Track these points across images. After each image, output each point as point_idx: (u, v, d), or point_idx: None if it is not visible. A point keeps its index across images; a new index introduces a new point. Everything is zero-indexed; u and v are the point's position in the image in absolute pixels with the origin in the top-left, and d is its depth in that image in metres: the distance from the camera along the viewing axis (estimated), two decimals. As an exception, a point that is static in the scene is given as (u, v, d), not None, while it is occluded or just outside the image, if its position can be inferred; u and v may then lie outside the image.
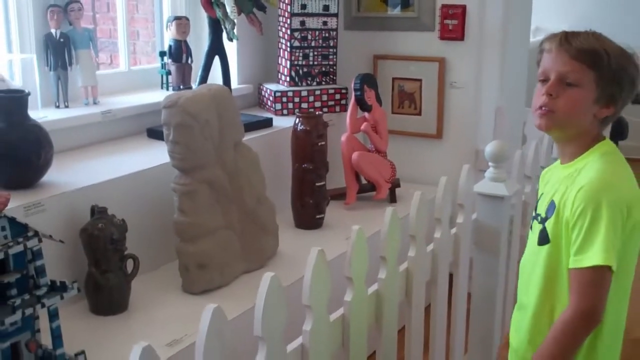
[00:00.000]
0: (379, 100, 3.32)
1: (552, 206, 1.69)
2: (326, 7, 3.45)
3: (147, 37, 3.69)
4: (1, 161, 2.18)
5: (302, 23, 3.41)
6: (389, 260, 1.88)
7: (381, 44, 3.62)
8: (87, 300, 2.26)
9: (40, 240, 1.83)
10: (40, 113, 2.62)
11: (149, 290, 2.39)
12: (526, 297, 1.79)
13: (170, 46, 3.18)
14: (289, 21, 3.39)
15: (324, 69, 3.51)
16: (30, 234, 1.81)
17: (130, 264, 2.28)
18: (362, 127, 3.25)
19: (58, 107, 2.78)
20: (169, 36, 3.22)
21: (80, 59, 2.84)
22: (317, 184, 2.94)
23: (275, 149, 3.10)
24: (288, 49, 3.42)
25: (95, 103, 2.89)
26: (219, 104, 2.41)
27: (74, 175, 2.41)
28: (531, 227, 1.81)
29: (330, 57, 3.51)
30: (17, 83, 2.67)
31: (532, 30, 6.80)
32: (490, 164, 2.42)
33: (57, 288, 1.87)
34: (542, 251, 1.71)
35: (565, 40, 1.65)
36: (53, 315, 1.85)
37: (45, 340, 1.90)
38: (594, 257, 1.56)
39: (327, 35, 3.48)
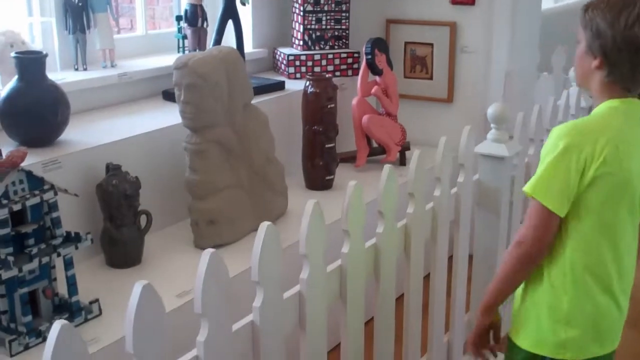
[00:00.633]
0: (389, 64, 3.37)
1: None
2: (339, -28, 3.51)
3: (166, 2, 3.76)
4: (19, 119, 2.28)
5: (315, -12, 3.48)
6: (386, 215, 1.96)
7: (393, 8, 3.66)
8: (103, 254, 2.37)
9: (55, 193, 1.94)
10: (59, 75, 2.72)
11: (161, 245, 2.50)
12: None
13: (186, 10, 3.24)
14: (302, -14, 3.45)
15: (336, 33, 3.57)
16: (46, 187, 1.92)
17: (143, 220, 2.39)
18: (373, 90, 3.31)
19: (77, 69, 2.87)
20: (185, 0, 3.29)
21: (98, 22, 2.92)
22: (326, 146, 3.02)
23: (288, 111, 3.18)
24: (301, 14, 3.48)
25: (112, 66, 2.98)
26: (228, 66, 2.48)
27: (91, 134, 2.51)
28: None
29: (343, 21, 3.57)
30: (37, 46, 2.76)
31: (554, -4, 6.78)
32: (492, 125, 2.48)
33: (72, 239, 1.98)
34: None
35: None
36: (68, 264, 1.97)
37: (62, 289, 2.02)
38: (528, 185, 1.65)
39: (339, -1, 3.54)
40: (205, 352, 1.45)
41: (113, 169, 2.32)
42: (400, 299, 2.22)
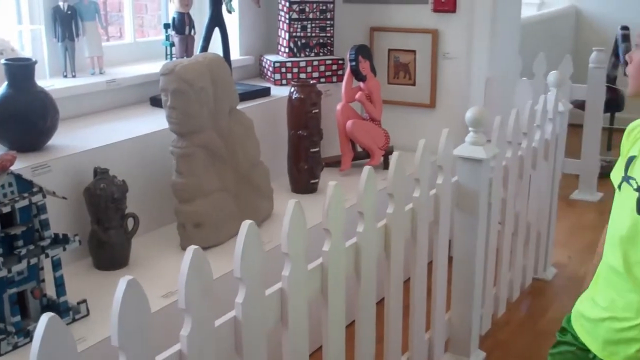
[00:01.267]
0: (373, 70, 3.44)
1: None
2: (324, -19, 3.58)
3: (154, 10, 3.82)
4: (9, 124, 2.34)
5: (301, -4, 3.55)
6: (366, 215, 2.03)
7: (377, 16, 3.73)
8: (91, 257, 2.42)
9: (44, 196, 1.99)
10: (48, 82, 2.77)
11: (148, 248, 2.55)
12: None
13: (173, 18, 3.29)
14: (287, -6, 3.52)
15: (321, 41, 3.64)
16: (35, 189, 1.97)
17: (130, 223, 2.44)
18: (357, 96, 3.38)
19: (65, 76, 2.93)
20: (172, 9, 3.35)
21: (87, 30, 2.98)
22: (311, 150, 3.08)
23: (273, 117, 3.24)
24: (287, 21, 3.55)
25: (101, 73, 3.04)
26: (213, 72, 2.54)
27: (79, 139, 2.57)
28: (619, 188, 1.72)
29: (328, 29, 3.64)
30: (26, 53, 2.81)
31: (538, 4, 6.90)
32: (470, 128, 2.55)
33: (60, 240, 2.03)
34: None
35: None
36: (56, 265, 2.02)
37: (50, 291, 2.07)
38: None
39: (324, 7, 3.60)
40: (189, 346, 1.50)
41: (101, 173, 2.38)
42: (382, 303, 2.28)
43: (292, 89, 3.07)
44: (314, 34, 3.61)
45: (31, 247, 1.96)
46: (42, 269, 2.03)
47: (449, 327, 2.75)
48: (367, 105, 3.41)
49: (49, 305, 2.05)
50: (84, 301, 2.09)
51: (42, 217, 1.99)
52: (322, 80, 3.57)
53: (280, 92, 3.38)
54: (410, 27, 3.65)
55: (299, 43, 3.59)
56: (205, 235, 2.51)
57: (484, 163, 2.54)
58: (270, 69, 3.57)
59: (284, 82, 3.53)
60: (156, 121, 2.79)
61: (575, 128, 4.76)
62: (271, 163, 2.94)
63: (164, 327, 1.87)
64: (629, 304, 1.66)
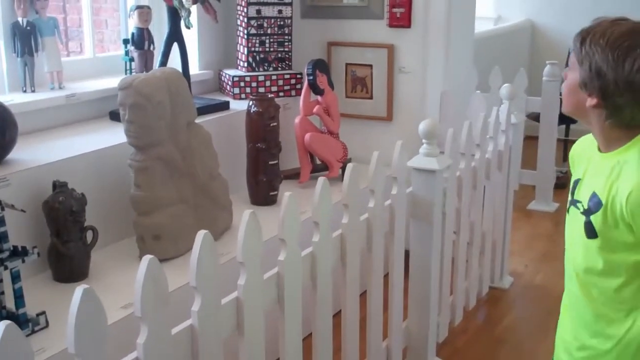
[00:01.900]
0: (331, 84, 3.51)
1: (596, 201, 1.60)
2: (282, -3, 3.65)
3: (114, 25, 3.85)
4: (-33, 139, 2.35)
5: (258, 12, 3.60)
6: (321, 225, 2.08)
7: (335, 31, 3.80)
8: (50, 269, 2.44)
9: (2, 209, 2.01)
10: (7, 97, 2.80)
11: (108, 260, 2.57)
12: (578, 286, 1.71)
13: (133, 34, 3.33)
14: (245, 10, 3.57)
15: (279, 55, 3.69)
16: (-8, 203, 1.99)
17: (89, 235, 2.46)
18: (315, 109, 3.44)
19: (25, 91, 2.95)
20: (132, 24, 3.38)
21: (46, 46, 3.00)
22: (270, 163, 3.13)
23: (232, 130, 3.29)
24: (245, 37, 3.60)
25: (60, 88, 3.06)
26: (170, 86, 2.58)
27: (38, 153, 2.59)
28: (567, 211, 1.74)
29: (286, 43, 3.70)
30: (-16, 68, 2.83)
31: (495, 19, 7.04)
32: (423, 140, 2.62)
33: (18, 253, 2.05)
34: (593, 244, 1.63)
35: None
36: (15, 277, 2.03)
37: (9, 303, 2.08)
38: None
39: (282, 23, 3.66)
40: (145, 354, 1.54)
41: (59, 186, 2.40)
42: (339, 315, 2.33)
43: (251, 102, 3.12)
44: (272, 49, 3.67)
45: (-11, 259, 1.97)
46: (1, 281, 2.04)
47: (407, 335, 2.81)
48: (325, 119, 3.47)
49: (8, 317, 2.06)
50: (43, 313, 2.11)
51: (1, 229, 2.01)
52: (281, 94, 3.63)
53: (239, 106, 3.43)
54: (367, 41, 3.72)
55: (257, 58, 3.64)
56: (164, 248, 2.54)
57: (437, 174, 2.61)
58: (230, 83, 3.61)
59: (242, 96, 3.57)
60: (115, 135, 2.81)
61: (531, 140, 4.88)
62: (230, 176, 2.98)
63: (124, 337, 1.89)
64: (595, 332, 1.68)
